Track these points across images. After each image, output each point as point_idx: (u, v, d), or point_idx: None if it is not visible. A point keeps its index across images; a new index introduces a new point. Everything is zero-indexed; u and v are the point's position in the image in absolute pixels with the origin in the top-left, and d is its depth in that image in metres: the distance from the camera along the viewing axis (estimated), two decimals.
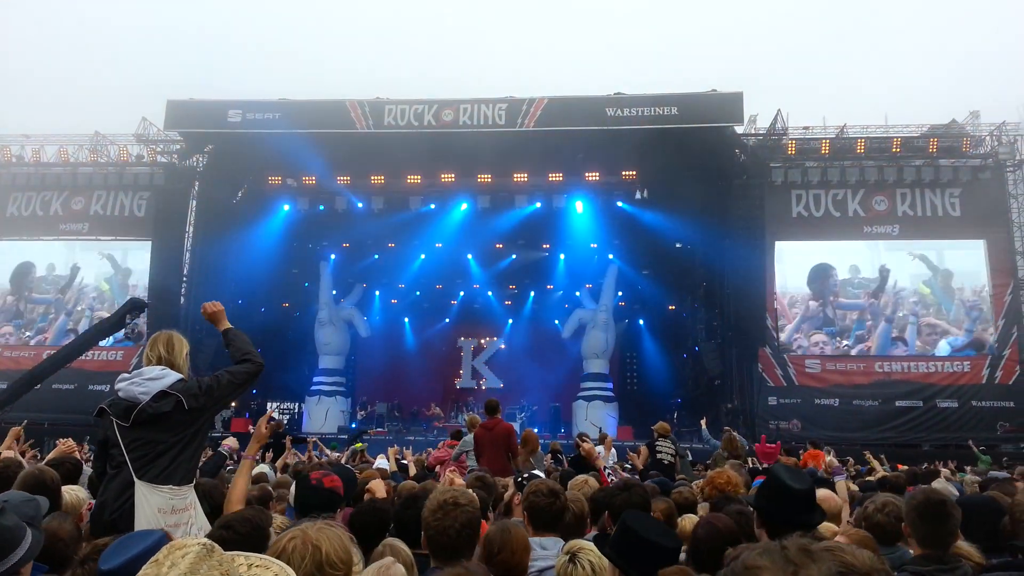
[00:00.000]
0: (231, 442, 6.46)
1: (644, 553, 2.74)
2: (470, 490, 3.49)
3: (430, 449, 13.33)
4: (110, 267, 24.02)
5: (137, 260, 23.83)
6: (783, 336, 21.41)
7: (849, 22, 55.29)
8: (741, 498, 4.47)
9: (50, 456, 5.95)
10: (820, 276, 21.62)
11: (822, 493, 4.54)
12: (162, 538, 2.32)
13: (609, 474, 6.43)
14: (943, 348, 20.92)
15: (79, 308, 23.80)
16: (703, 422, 14.40)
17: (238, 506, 3.69)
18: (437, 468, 9.33)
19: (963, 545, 3.32)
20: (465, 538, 2.88)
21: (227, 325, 4.11)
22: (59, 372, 21.96)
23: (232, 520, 2.83)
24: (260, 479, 6.51)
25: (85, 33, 55.41)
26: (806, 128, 22.68)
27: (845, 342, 21.18)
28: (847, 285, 21.57)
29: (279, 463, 9.17)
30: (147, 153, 24.31)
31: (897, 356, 20.95)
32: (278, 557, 1.93)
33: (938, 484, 6.22)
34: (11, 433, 5.88)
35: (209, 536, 2.44)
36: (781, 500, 3.18)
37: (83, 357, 22.71)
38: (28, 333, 23.69)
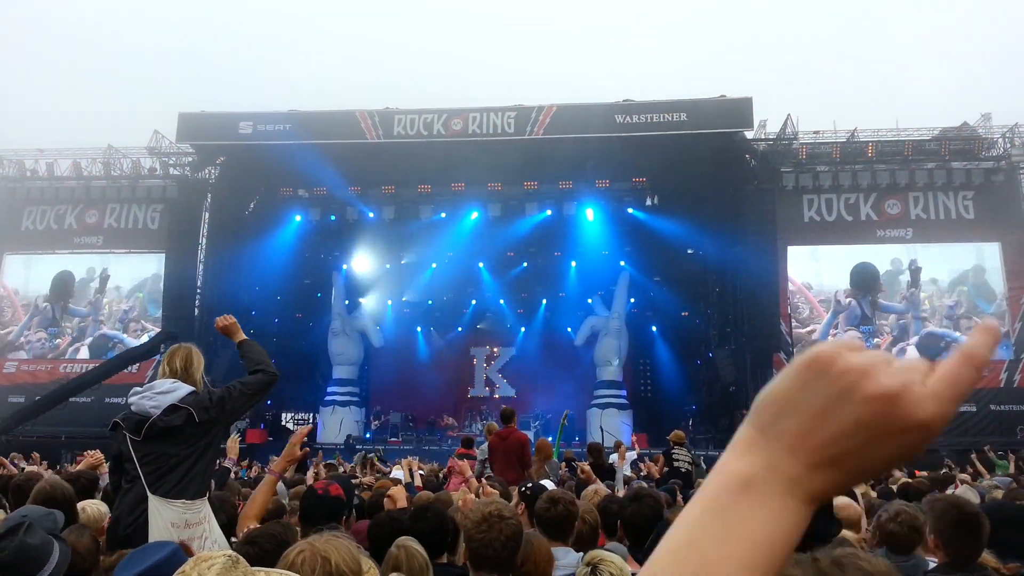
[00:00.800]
0: (232, 450, 6.51)
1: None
2: (509, 504, 3.47)
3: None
4: (142, 277, 24.17)
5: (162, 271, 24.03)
6: (816, 335, 21.28)
7: (857, 26, 55.15)
8: None
9: (81, 467, 5.99)
10: (864, 275, 21.52)
11: (842, 500, 4.50)
12: (176, 549, 2.32)
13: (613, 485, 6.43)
14: None
15: (112, 318, 23.99)
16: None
17: (253, 521, 3.68)
18: (451, 477, 9.32)
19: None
20: (509, 551, 2.86)
21: (242, 337, 4.11)
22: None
23: (258, 536, 2.82)
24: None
25: (97, 48, 55.96)
26: (816, 133, 22.61)
27: (876, 340, 21.00)
28: (889, 278, 21.48)
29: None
30: (160, 166, 24.49)
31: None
32: (287, 571, 1.94)
33: (964, 492, 6.14)
34: (87, 460, 5.96)
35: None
36: None
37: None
38: (58, 340, 23.84)
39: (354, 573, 2.10)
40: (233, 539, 4.25)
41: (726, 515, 0.61)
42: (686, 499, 6.01)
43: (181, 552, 2.34)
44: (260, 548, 2.68)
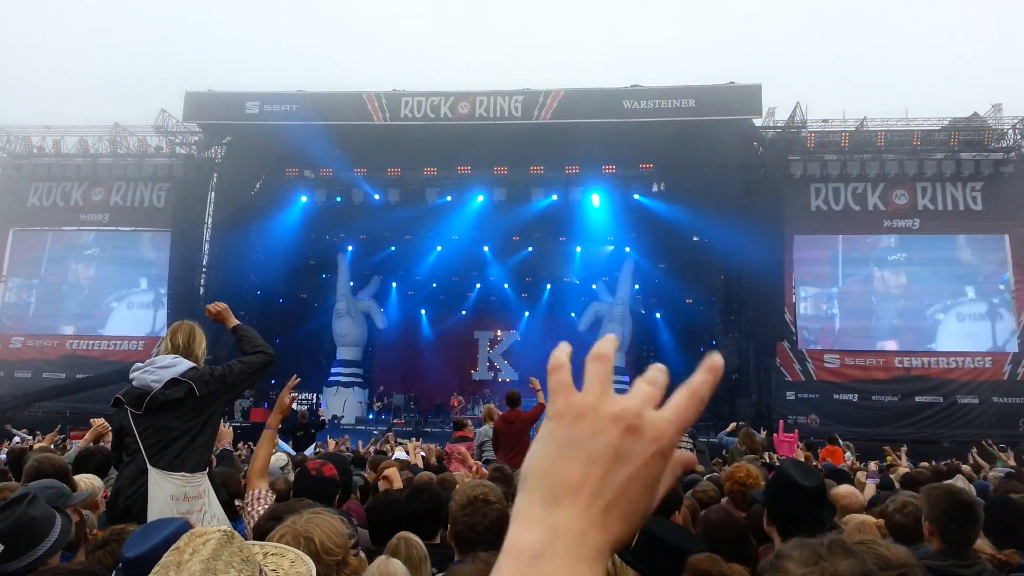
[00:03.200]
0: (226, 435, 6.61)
1: (671, 559, 2.69)
2: (497, 486, 3.48)
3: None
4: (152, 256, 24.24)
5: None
6: None
7: (869, 14, 54.68)
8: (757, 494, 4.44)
9: (86, 437, 6.05)
10: None
11: (843, 489, 4.51)
12: (183, 525, 2.34)
13: None
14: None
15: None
16: (733, 427, 13.70)
17: (260, 477, 3.71)
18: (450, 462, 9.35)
19: (978, 541, 3.31)
20: (493, 535, 2.87)
21: (235, 322, 4.14)
22: (81, 362, 22.45)
23: (283, 511, 2.84)
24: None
25: (104, 25, 55.81)
26: (825, 121, 22.46)
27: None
28: None
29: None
30: (166, 144, 24.46)
31: (917, 351, 20.77)
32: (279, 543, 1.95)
33: (956, 482, 6.15)
34: (94, 428, 6.00)
35: (256, 528, 2.44)
36: (790, 497, 3.14)
37: (106, 347, 23.10)
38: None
39: (340, 547, 2.11)
40: (237, 503, 4.29)
41: None
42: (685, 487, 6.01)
43: (187, 528, 2.36)
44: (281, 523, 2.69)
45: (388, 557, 2.81)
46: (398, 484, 4.38)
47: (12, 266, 24.38)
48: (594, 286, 26.69)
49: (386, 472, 4.59)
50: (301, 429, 13.13)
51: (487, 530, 2.85)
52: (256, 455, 3.94)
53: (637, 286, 26.61)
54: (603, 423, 0.62)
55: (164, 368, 3.67)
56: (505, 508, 3.01)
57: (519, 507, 0.63)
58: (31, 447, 8.59)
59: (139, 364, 3.75)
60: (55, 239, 24.45)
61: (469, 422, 10.82)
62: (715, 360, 0.68)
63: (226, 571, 1.55)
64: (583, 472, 0.61)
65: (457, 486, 4.44)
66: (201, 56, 51.26)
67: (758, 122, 21.59)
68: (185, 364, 3.73)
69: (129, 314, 23.66)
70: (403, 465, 7.19)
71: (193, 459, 3.62)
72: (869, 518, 3.90)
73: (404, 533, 3.29)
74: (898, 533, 3.60)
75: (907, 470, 8.84)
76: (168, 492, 3.47)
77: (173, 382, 3.63)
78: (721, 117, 20.70)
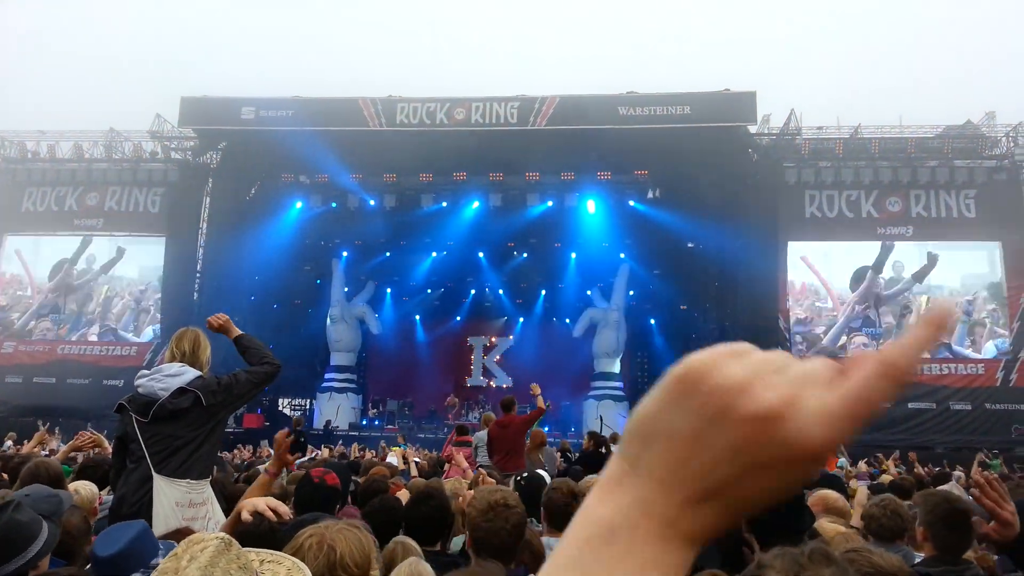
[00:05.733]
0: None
1: (723, 551, 2.66)
2: (514, 492, 3.47)
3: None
4: (144, 263, 24.13)
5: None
6: (825, 340, 21.25)
7: (864, 22, 54.97)
8: None
9: (66, 448, 6.01)
10: (860, 278, 21.52)
11: (831, 494, 4.51)
12: (145, 527, 2.38)
13: None
14: (989, 349, 20.79)
15: (122, 301, 23.97)
16: None
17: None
18: (447, 465, 9.36)
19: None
20: (515, 539, 2.86)
21: (237, 332, 4.14)
22: (73, 368, 22.38)
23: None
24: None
25: (99, 30, 55.78)
26: (820, 128, 22.57)
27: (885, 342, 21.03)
28: (892, 284, 21.46)
29: (276, 469, 9.13)
30: (161, 150, 24.43)
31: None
32: (293, 554, 1.95)
33: (950, 488, 6.18)
34: (36, 437, 5.99)
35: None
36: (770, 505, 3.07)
37: (98, 352, 23.01)
38: (60, 330, 23.71)
39: (360, 567, 2.07)
40: None
41: (588, 573, 0.50)
42: None
43: (149, 529, 2.39)
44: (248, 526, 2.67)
45: (417, 559, 2.81)
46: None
47: (6, 271, 24.30)
48: (589, 292, 26.70)
49: (399, 495, 4.66)
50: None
51: (509, 534, 2.83)
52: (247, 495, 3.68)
53: (632, 292, 26.63)
54: (728, 414, 0.50)
55: (171, 376, 3.69)
56: (524, 513, 3.01)
57: (611, 469, 0.54)
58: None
59: (145, 371, 3.77)
60: (49, 244, 24.37)
61: (468, 428, 10.86)
62: (941, 308, 0.52)
63: None
64: (686, 456, 0.51)
65: (449, 491, 4.44)
66: (197, 61, 51.23)
67: (753, 129, 21.68)
68: (192, 373, 3.75)
69: (122, 319, 23.58)
70: (392, 471, 7.20)
71: (198, 467, 3.65)
72: (830, 524, 3.89)
73: (402, 538, 3.30)
74: (874, 526, 3.62)
75: (892, 477, 8.92)
76: (173, 499, 3.48)
77: (180, 391, 3.64)
78: (716, 124, 20.78)
